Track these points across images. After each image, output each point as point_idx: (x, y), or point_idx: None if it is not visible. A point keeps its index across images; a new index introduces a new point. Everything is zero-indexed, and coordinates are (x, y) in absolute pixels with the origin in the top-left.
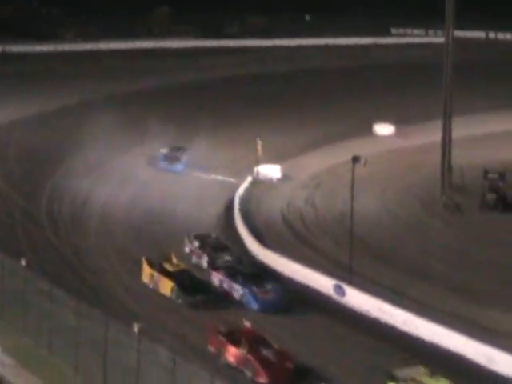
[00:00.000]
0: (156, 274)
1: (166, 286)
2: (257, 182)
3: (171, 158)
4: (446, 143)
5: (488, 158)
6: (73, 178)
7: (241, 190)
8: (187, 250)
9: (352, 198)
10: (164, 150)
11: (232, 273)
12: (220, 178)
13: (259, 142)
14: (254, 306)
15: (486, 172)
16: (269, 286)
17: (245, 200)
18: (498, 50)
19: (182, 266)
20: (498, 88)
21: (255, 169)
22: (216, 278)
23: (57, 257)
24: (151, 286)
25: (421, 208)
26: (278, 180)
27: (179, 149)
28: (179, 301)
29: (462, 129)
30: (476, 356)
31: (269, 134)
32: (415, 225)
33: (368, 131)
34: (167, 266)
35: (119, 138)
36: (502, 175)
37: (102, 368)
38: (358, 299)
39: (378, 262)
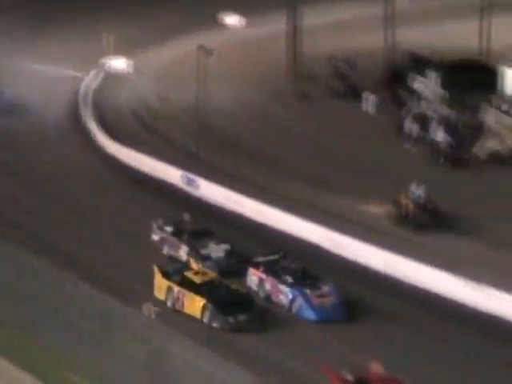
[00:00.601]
0: (176, 287)
1: (195, 304)
2: (106, 77)
3: None
4: (293, 32)
5: (337, 47)
6: None
7: (90, 84)
8: (156, 238)
9: (200, 88)
10: None
11: (276, 270)
12: (68, 72)
13: (107, 37)
14: (310, 315)
15: (331, 59)
16: (325, 288)
17: (93, 94)
18: None
19: (210, 274)
20: None
21: (104, 63)
22: (255, 277)
23: None
24: (169, 304)
25: (270, 97)
26: (127, 73)
27: None
28: (215, 324)
29: (309, 17)
30: (323, 241)
31: (116, 28)
32: (265, 114)
33: (215, 22)
34: (191, 276)
35: None
36: (350, 64)
37: None
38: (208, 190)
39: (229, 153)
